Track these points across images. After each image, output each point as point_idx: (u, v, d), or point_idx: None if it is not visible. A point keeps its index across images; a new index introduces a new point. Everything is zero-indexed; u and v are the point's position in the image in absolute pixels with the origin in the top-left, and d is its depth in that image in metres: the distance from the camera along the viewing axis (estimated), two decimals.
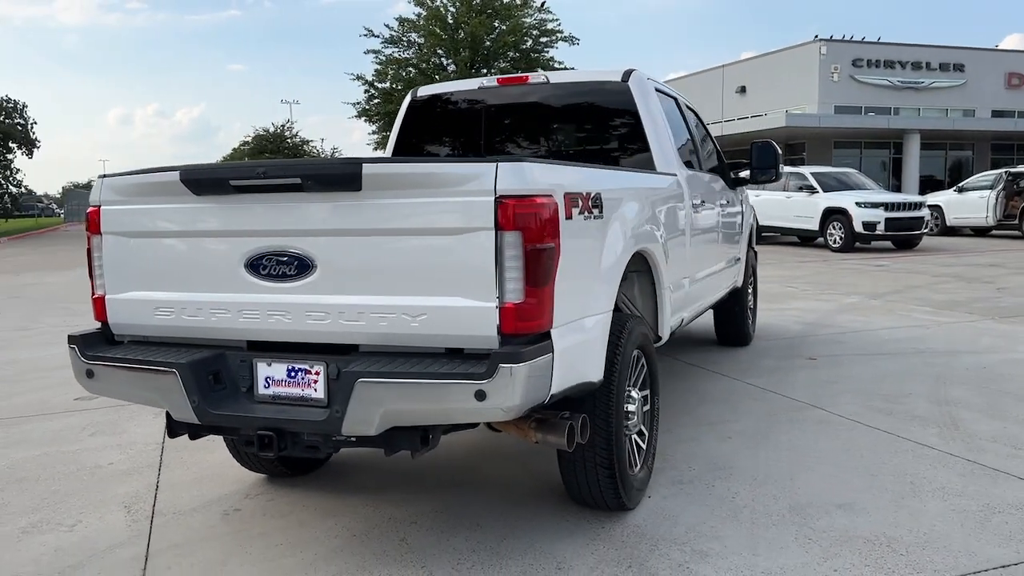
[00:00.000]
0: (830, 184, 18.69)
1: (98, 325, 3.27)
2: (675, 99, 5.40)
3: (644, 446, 3.78)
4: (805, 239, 19.68)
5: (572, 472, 3.40)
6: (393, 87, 24.64)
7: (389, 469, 4.29)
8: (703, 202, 4.92)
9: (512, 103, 5.03)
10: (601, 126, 4.86)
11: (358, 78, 25.30)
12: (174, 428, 3.13)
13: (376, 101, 25.98)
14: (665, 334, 4.16)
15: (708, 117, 33.45)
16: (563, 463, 3.41)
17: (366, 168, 2.68)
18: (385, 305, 2.75)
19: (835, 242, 17.81)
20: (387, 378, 2.64)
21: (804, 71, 34.11)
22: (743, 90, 36.89)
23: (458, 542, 3.37)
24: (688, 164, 5.00)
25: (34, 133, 41.99)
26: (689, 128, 5.42)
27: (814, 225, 18.31)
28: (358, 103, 26.38)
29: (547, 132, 5.07)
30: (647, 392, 3.83)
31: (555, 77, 4.86)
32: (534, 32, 24.79)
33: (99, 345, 3.19)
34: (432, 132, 5.17)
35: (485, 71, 23.87)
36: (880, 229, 17.22)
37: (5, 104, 40.56)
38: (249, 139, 52.81)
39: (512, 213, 2.58)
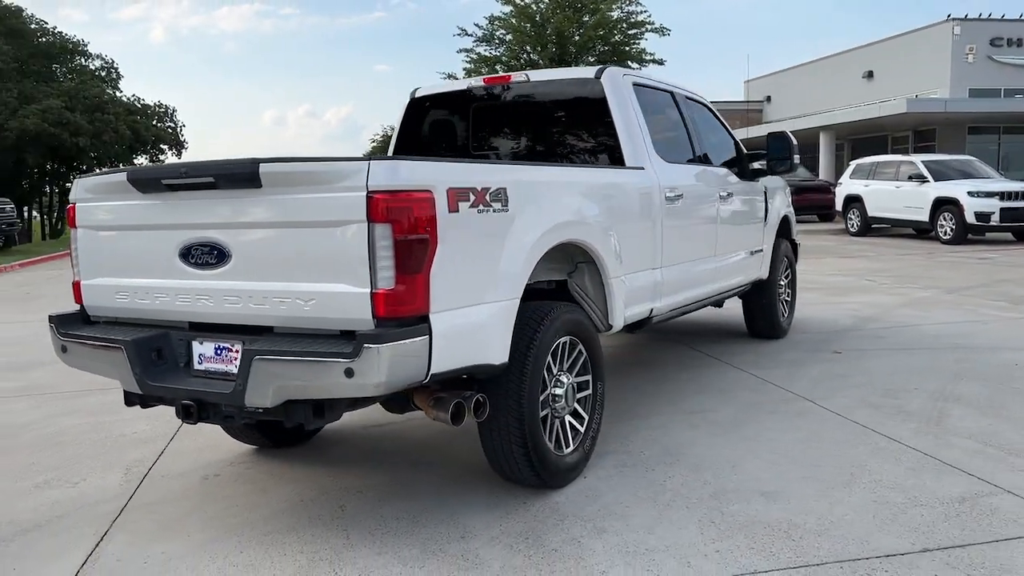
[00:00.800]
0: (944, 173, 17.72)
1: (77, 307, 3.75)
2: (671, 93, 5.47)
3: (581, 429, 3.95)
4: (920, 231, 18.71)
5: (490, 449, 3.62)
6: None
7: (364, 445, 4.63)
8: (686, 195, 4.98)
9: (496, 102, 5.25)
10: (576, 122, 5.01)
11: (449, 76, 25.93)
12: (128, 398, 3.56)
13: None
14: (617, 323, 4.29)
15: (831, 104, 32.10)
16: (483, 441, 3.64)
17: (263, 167, 3.01)
18: (283, 291, 3.07)
19: (945, 234, 16.90)
20: (276, 356, 2.96)
21: (936, 53, 32.15)
22: (870, 75, 35.15)
23: (387, 511, 3.66)
24: (674, 157, 5.08)
25: (183, 135, 45.18)
26: (686, 122, 5.47)
27: (924, 216, 17.43)
28: None
29: (527, 129, 5.26)
30: (587, 377, 3.99)
31: (535, 76, 5.05)
32: (622, 25, 24.66)
33: (74, 324, 3.67)
34: (428, 130, 5.46)
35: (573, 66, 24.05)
36: (995, 220, 16.20)
37: (157, 109, 43.80)
38: (378, 137, 54.82)
39: (382, 207, 2.84)
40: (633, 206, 4.47)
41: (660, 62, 25.39)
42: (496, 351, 3.33)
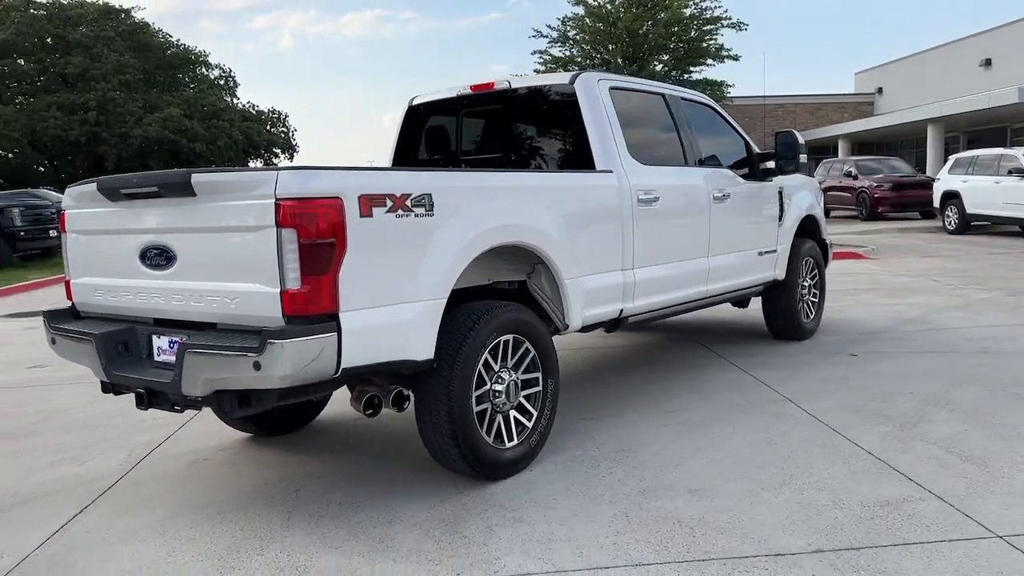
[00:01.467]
0: None
1: (69, 304, 4.18)
2: (663, 96, 5.52)
3: (528, 424, 4.11)
4: None
5: (426, 441, 3.84)
6: None
7: (347, 435, 4.93)
8: (664, 197, 5.04)
9: (482, 108, 5.44)
10: (553, 127, 5.14)
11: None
12: (103, 386, 3.95)
13: None
14: (574, 323, 4.42)
15: (945, 95, 30.41)
16: (420, 433, 3.85)
17: (194, 177, 3.32)
18: (216, 290, 3.38)
19: None
20: (201, 350, 3.26)
21: None
22: (988, 63, 33.16)
23: (336, 496, 3.93)
24: (656, 159, 5.15)
25: (294, 139, 47.33)
26: (677, 124, 5.50)
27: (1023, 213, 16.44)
28: None
29: (508, 134, 5.42)
30: (537, 374, 4.14)
31: (516, 82, 5.21)
32: (695, 21, 24.20)
33: (64, 319, 4.09)
34: (424, 138, 5.70)
35: (645, 66, 23.75)
36: None
37: (270, 115, 46.00)
38: None
39: (287, 213, 3.10)
40: (594, 209, 4.57)
41: (735, 58, 24.88)
42: (419, 348, 3.53)
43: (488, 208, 3.88)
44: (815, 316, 7.15)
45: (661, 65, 25.18)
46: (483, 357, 3.84)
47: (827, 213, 23.26)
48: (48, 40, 39.36)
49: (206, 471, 4.43)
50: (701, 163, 5.66)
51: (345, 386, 3.69)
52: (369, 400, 3.52)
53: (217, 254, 3.37)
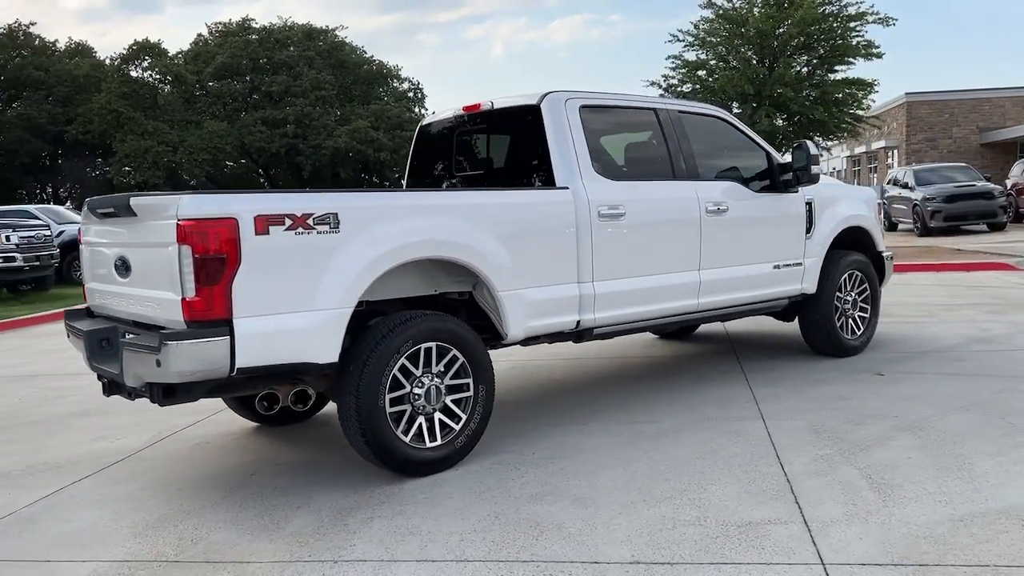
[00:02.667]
0: None
1: (86, 305, 4.95)
2: (654, 111, 5.57)
3: (456, 427, 4.40)
4: None
5: (346, 436, 4.23)
6: (694, 88, 24.43)
7: (335, 428, 5.40)
8: (634, 211, 5.12)
9: (472, 128, 5.73)
10: (524, 145, 5.33)
11: (652, 84, 25.60)
12: (98, 378, 4.66)
13: None
14: (513, 333, 4.64)
15: None
16: (342, 429, 4.26)
17: (132, 201, 3.92)
18: (149, 296, 3.96)
19: None
20: (129, 348, 3.85)
21: None
22: None
23: (279, 482, 4.42)
24: (630, 175, 5.25)
25: None
26: (667, 139, 5.53)
27: None
28: None
29: (488, 153, 5.66)
30: (467, 380, 4.42)
31: (497, 103, 5.46)
32: (836, 19, 22.55)
33: (78, 317, 4.86)
34: (431, 156, 6.08)
35: (781, 67, 22.57)
36: None
37: None
38: None
39: (184, 232, 3.62)
40: (539, 224, 4.77)
41: (879, 55, 23.05)
42: (320, 352, 3.93)
43: (401, 226, 4.21)
44: (863, 332, 6.82)
45: (798, 67, 23.91)
46: (399, 362, 4.17)
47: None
48: (261, 61, 43.43)
49: (200, 453, 5.07)
50: (697, 176, 5.64)
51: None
52: (266, 397, 3.96)
53: (150, 265, 3.96)
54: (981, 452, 4.21)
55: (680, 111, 5.78)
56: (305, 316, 3.89)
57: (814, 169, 5.89)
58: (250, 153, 38.56)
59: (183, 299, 3.66)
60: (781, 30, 23.22)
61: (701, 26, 24.65)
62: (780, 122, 23.93)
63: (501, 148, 5.67)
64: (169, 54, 43.60)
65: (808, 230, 6.31)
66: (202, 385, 3.92)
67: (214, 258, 3.64)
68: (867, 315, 6.87)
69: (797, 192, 6.22)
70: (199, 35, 45.74)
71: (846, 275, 6.64)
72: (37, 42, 50.53)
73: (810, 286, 6.38)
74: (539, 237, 4.77)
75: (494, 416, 5.33)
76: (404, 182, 6.25)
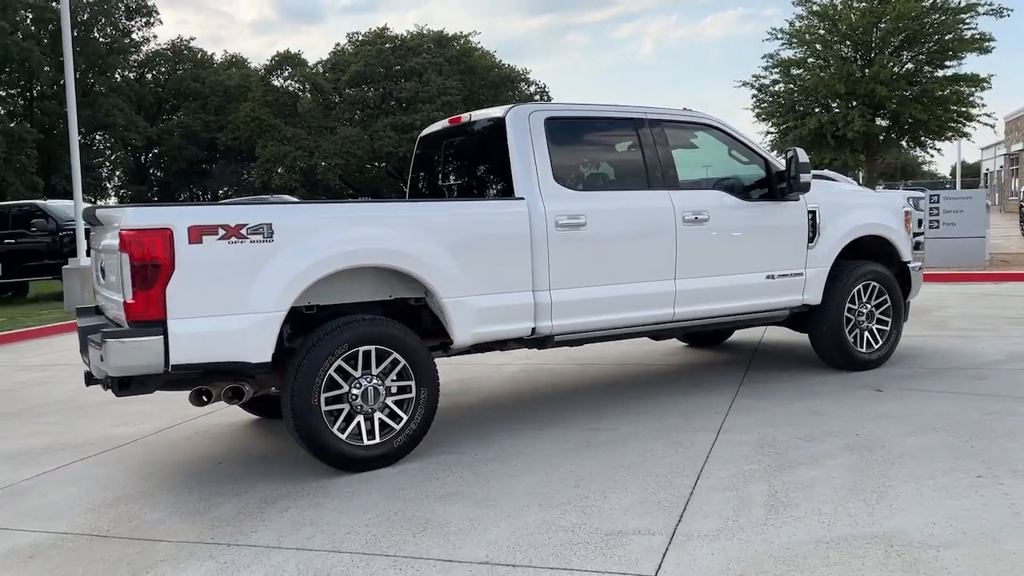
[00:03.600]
0: None
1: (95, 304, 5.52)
2: (633, 121, 5.59)
3: (396, 427, 4.64)
4: None
5: (288, 431, 4.55)
6: (786, 87, 23.24)
7: None
8: (596, 220, 5.18)
9: (455, 140, 5.91)
10: (493, 157, 5.45)
11: (744, 84, 24.45)
12: None
13: (765, 104, 24.79)
14: (459, 338, 4.82)
15: None
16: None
17: (97, 212, 4.40)
18: (113, 298, 4.42)
19: None
20: (89, 343, 4.32)
21: None
22: None
23: (236, 471, 4.80)
24: (596, 185, 5.33)
25: None
26: (644, 149, 5.54)
27: None
28: (756, 107, 25.59)
29: (463, 164, 5.81)
30: (409, 382, 4.65)
31: (474, 115, 5.64)
32: (936, 14, 20.76)
33: (87, 314, 5.42)
34: (427, 166, 6.32)
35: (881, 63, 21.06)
36: None
37: None
38: None
39: (124, 241, 4.04)
40: (491, 234, 4.92)
41: (987, 50, 21.11)
42: (252, 352, 4.26)
43: (336, 236, 4.48)
44: (881, 346, 6.52)
45: (900, 64, 22.39)
46: (335, 363, 4.44)
47: None
48: (395, 68, 45.09)
49: (191, 441, 5.53)
50: (676, 186, 5.61)
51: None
52: (197, 392, 4.34)
53: (111, 271, 4.42)
54: (911, 475, 4.03)
55: (664, 120, 5.75)
56: (238, 319, 4.22)
57: (803, 178, 5.73)
58: (380, 157, 40.22)
59: (125, 301, 4.08)
60: (882, 25, 21.96)
61: (796, 23, 23.69)
62: (882, 122, 22.59)
63: (478, 160, 5.84)
64: (308, 64, 46.10)
65: (811, 239, 6.12)
66: (155, 378, 4.32)
67: (149, 265, 4.03)
68: (887, 328, 6.57)
69: (798, 200, 6.05)
70: (337, 44, 48.12)
71: (860, 286, 6.38)
72: (199, 55, 54.70)
73: (813, 297, 6.19)
74: (489, 247, 4.93)
75: (463, 416, 5.55)
76: (407, 190, 6.54)
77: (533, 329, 5.10)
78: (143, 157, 52.09)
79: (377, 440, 4.60)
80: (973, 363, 6.56)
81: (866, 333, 6.48)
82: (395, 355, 4.62)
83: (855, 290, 6.36)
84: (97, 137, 48.14)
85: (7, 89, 43.37)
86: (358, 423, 4.57)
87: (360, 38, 46.97)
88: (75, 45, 44.98)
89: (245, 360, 4.27)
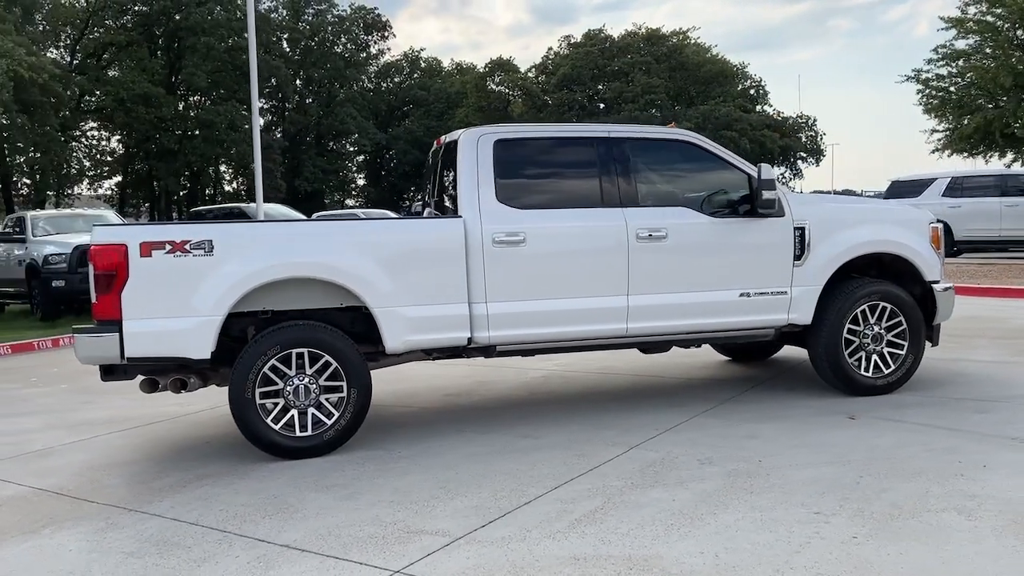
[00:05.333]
0: None
1: None
2: (590, 140, 5.74)
3: (328, 422, 5.21)
4: None
5: None
6: (952, 80, 20.22)
7: None
8: (537, 236, 5.43)
9: (438, 159, 6.29)
10: (451, 176, 5.81)
11: (908, 79, 21.47)
12: None
13: (933, 101, 21.56)
14: (391, 345, 5.27)
15: None
16: None
17: (94, 226, 5.35)
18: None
19: None
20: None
21: None
22: None
23: (211, 449, 5.59)
24: (541, 203, 5.58)
25: (823, 144, 46.76)
26: (601, 168, 5.67)
27: None
28: (924, 103, 22.38)
29: (441, 182, 6.15)
30: (341, 383, 5.20)
31: (448, 137, 6.02)
32: None
33: None
34: (426, 180, 6.77)
35: None
36: None
37: (798, 120, 46.17)
38: None
39: (91, 254, 4.94)
40: (425, 249, 5.34)
41: None
42: (194, 350, 5.01)
43: (270, 251, 5.10)
44: (893, 371, 6.10)
45: None
46: (268, 363, 5.09)
47: None
48: (607, 69, 45.60)
49: (213, 422, 6.41)
50: (635, 203, 5.69)
51: None
52: (146, 382, 5.14)
53: None
54: (753, 506, 3.97)
55: (629, 139, 5.83)
56: (182, 320, 4.99)
57: (765, 195, 5.58)
58: None
59: (92, 303, 4.97)
60: None
61: (968, 11, 21.07)
62: None
63: (448, 178, 6.23)
64: (520, 70, 47.85)
65: (799, 256, 5.90)
66: (136, 366, 5.17)
67: (108, 274, 4.89)
68: (901, 352, 6.14)
69: (783, 216, 5.87)
70: (549, 48, 49.47)
71: (865, 307, 6.04)
72: (430, 64, 58.49)
73: (802, 316, 5.96)
74: (422, 262, 5.34)
75: (421, 416, 6.01)
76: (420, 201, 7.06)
77: (469, 339, 5.44)
78: (377, 160, 56.59)
79: (309, 433, 5.18)
80: (994, 395, 5.97)
81: (874, 357, 6.11)
82: (327, 357, 5.18)
83: (858, 311, 6.03)
84: (335, 144, 53.04)
85: (268, 101, 49.05)
86: (292, 416, 5.17)
87: (573, 41, 47.93)
88: (318, 59, 50.22)
89: (188, 356, 5.02)
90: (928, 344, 6.39)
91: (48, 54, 36.42)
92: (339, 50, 51.32)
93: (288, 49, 49.10)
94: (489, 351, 5.58)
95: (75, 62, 39.61)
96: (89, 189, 45.21)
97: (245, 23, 42.98)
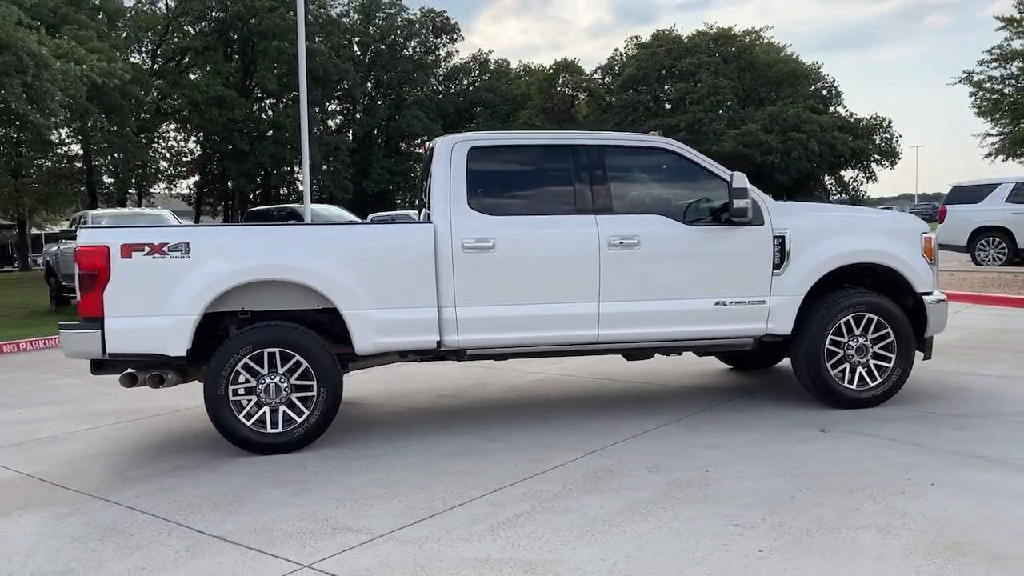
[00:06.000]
0: None
1: None
2: (569, 147, 5.78)
3: (298, 419, 5.40)
4: None
5: None
6: (1004, 82, 19.03)
7: None
8: (506, 243, 5.51)
9: (425, 164, 6.41)
10: (427, 182, 5.92)
11: (960, 81, 20.27)
12: None
13: (986, 104, 20.27)
14: (360, 346, 5.42)
15: None
16: None
17: (78, 229, 5.66)
18: None
19: None
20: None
21: None
22: None
23: (199, 443, 5.85)
24: (512, 210, 5.66)
25: (898, 146, 45.29)
26: (576, 175, 5.72)
27: None
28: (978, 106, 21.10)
29: (427, 186, 6.25)
30: (311, 382, 5.39)
31: (430, 144, 6.14)
32: None
33: None
34: (421, 183, 6.90)
35: None
36: None
37: (871, 122, 44.83)
38: None
39: (77, 255, 5.24)
40: (394, 255, 5.48)
41: None
42: (171, 347, 5.25)
43: (244, 254, 5.31)
44: (880, 384, 5.97)
45: None
46: (241, 361, 5.30)
47: None
48: (673, 70, 45.19)
49: (198, 417, 6.53)
50: (609, 210, 5.71)
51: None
52: (124, 377, 5.40)
53: None
54: (678, 516, 3.98)
55: (606, 147, 5.85)
56: (160, 319, 5.24)
57: (737, 204, 5.52)
58: None
59: (77, 301, 5.27)
60: None
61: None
62: None
63: (429, 182, 6.34)
64: (585, 71, 47.80)
65: (779, 265, 5.83)
66: (123, 362, 5.44)
67: (91, 274, 5.18)
68: (888, 364, 6.00)
69: (761, 225, 5.81)
70: (616, 49, 49.27)
71: (850, 317, 5.92)
72: (497, 66, 58.91)
73: (781, 326, 5.88)
74: (392, 266, 5.48)
75: (406, 416, 6.17)
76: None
77: (439, 342, 5.56)
78: None
79: (280, 429, 5.38)
80: (984, 411, 5.78)
81: (860, 369, 5.99)
82: (298, 357, 5.36)
83: (842, 321, 5.92)
84: (407, 146, 53.81)
85: (340, 104, 50.24)
86: (264, 413, 5.38)
87: (640, 41, 47.62)
88: (387, 62, 51.16)
89: (165, 353, 5.27)
90: (920, 357, 6.23)
91: (131, 59, 38.14)
92: (408, 53, 52.09)
93: (359, 52, 50.10)
94: (460, 354, 5.69)
95: (156, 67, 41.25)
96: (168, 188, 47.04)
97: (315, 27, 43.76)
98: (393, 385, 7.63)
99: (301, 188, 49.51)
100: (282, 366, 5.37)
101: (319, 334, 5.51)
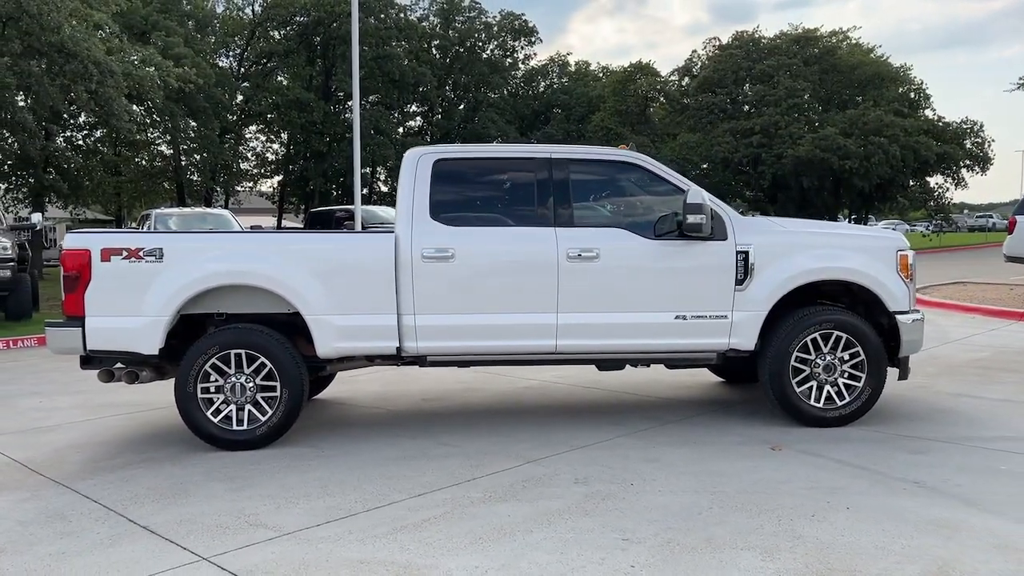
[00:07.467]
0: None
1: None
2: (535, 159, 5.88)
3: (262, 418, 5.67)
4: None
5: None
6: None
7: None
8: (465, 253, 5.65)
9: None
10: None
11: (1020, 86, 18.83)
12: None
13: None
14: (322, 350, 5.66)
15: None
16: None
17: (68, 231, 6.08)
18: None
19: None
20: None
21: None
22: None
23: (188, 436, 6.19)
24: (473, 222, 5.80)
25: (991, 151, 43.19)
26: (539, 189, 5.82)
27: None
28: None
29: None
30: (275, 383, 5.65)
31: None
32: None
33: None
34: None
35: None
36: None
37: (962, 126, 42.86)
38: None
39: (62, 258, 5.64)
40: (356, 263, 5.69)
41: None
42: (144, 346, 5.59)
43: (213, 260, 5.61)
44: (848, 403, 5.87)
45: None
46: (209, 361, 5.61)
47: None
48: (753, 71, 44.29)
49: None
50: (570, 223, 5.78)
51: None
52: (102, 373, 5.75)
53: None
54: (576, 527, 4.06)
55: (571, 160, 5.93)
56: (135, 320, 5.59)
57: (691, 219, 5.51)
58: (716, 163, 39.94)
59: (61, 301, 5.67)
60: None
61: None
62: None
63: None
64: (661, 74, 47.27)
65: (741, 281, 5.80)
66: (110, 358, 5.80)
67: (74, 276, 5.57)
68: (858, 384, 5.88)
69: (724, 240, 5.79)
70: (693, 51, 48.58)
71: (817, 335, 5.84)
72: (575, 69, 58.87)
73: (744, 342, 5.84)
74: (353, 274, 5.69)
75: (384, 418, 6.43)
76: None
77: (399, 348, 5.74)
78: None
79: (244, 427, 5.66)
80: (953, 436, 5.61)
81: (827, 387, 5.90)
82: (262, 359, 5.63)
83: (809, 339, 5.84)
84: None
85: (418, 106, 51.13)
86: (230, 411, 5.67)
87: (719, 43, 46.82)
88: (465, 65, 51.83)
89: (139, 351, 5.61)
90: (898, 377, 6.09)
91: (219, 63, 39.79)
92: (486, 56, 52.56)
93: (437, 55, 50.84)
94: (421, 361, 5.86)
95: (242, 70, 42.87)
96: (252, 188, 48.83)
97: (392, 32, 44.50)
98: (388, 387, 7.86)
99: (383, 189, 51.14)
100: (248, 367, 5.65)
101: (293, 337, 5.77)
